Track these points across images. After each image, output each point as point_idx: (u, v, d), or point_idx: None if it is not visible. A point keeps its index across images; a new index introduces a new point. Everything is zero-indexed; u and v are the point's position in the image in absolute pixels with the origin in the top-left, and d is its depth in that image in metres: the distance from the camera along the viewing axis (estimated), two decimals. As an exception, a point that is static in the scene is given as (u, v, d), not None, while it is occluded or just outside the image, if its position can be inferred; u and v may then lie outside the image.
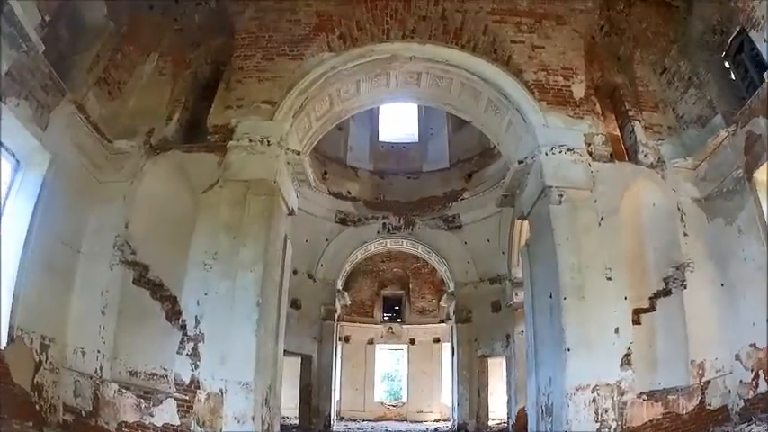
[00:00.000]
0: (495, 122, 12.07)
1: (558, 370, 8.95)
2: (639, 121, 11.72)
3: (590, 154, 10.57)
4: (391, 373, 26.19)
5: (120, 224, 9.93)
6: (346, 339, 23.82)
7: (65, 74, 9.34)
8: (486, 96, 11.71)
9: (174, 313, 9.41)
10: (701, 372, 9.58)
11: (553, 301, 9.40)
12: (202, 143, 10.73)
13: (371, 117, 21.32)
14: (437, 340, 24.57)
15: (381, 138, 21.32)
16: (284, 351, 16.19)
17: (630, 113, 11.84)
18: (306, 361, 17.57)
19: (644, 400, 9.05)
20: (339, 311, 19.51)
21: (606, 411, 8.59)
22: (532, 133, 10.75)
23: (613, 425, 8.57)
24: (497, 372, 20.04)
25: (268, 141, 10.33)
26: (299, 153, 10.86)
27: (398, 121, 22.03)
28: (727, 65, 11.00)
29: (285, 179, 10.63)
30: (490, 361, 18.47)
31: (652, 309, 10.27)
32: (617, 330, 9.06)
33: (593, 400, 8.59)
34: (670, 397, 9.30)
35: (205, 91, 11.87)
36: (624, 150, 11.73)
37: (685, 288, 10.06)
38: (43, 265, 8.73)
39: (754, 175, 9.64)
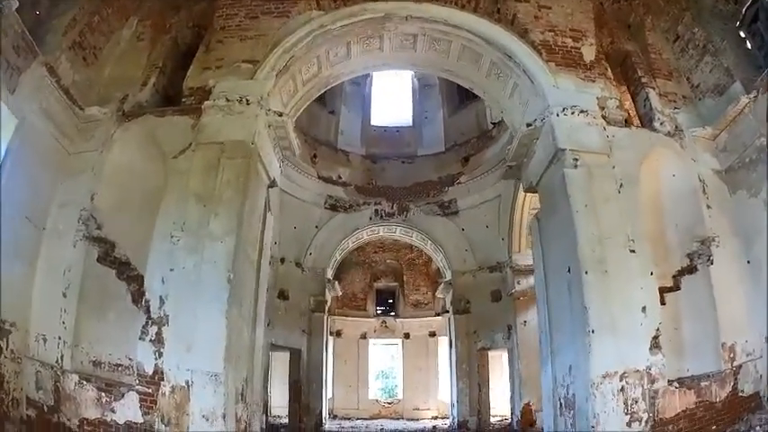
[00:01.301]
0: (497, 88, 10.87)
1: (580, 356, 7.68)
2: (654, 88, 10.56)
3: (604, 118, 9.44)
4: (385, 369, 24.84)
5: (86, 197, 8.69)
6: (338, 334, 22.45)
7: (40, 38, 8.44)
8: (489, 59, 10.52)
9: (140, 295, 8.07)
10: (732, 356, 8.41)
11: (572, 276, 8.14)
12: (177, 107, 9.52)
13: (363, 100, 20.12)
14: (433, 334, 23.21)
15: (374, 122, 20.02)
16: (271, 345, 15.16)
17: (644, 80, 10.67)
18: (295, 356, 16.21)
19: (676, 387, 7.83)
20: (330, 303, 18.15)
21: (636, 402, 7.40)
22: (541, 95, 9.59)
23: (644, 416, 7.37)
24: (498, 365, 18.78)
25: (247, 101, 9.10)
26: (281, 114, 9.55)
27: (392, 105, 20.76)
28: (742, 34, 10.02)
29: (265, 143, 9.34)
30: (491, 354, 17.14)
31: (676, 287, 9.13)
32: (644, 309, 7.87)
33: (622, 390, 7.38)
34: (702, 384, 8.12)
35: (185, 57, 10.55)
36: (638, 119, 10.54)
37: (712, 264, 8.88)
38: (4, 241, 7.48)
39: (779, 142, 8.59)
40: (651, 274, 8.26)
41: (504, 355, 16.75)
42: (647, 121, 10.19)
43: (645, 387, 7.49)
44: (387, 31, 10.63)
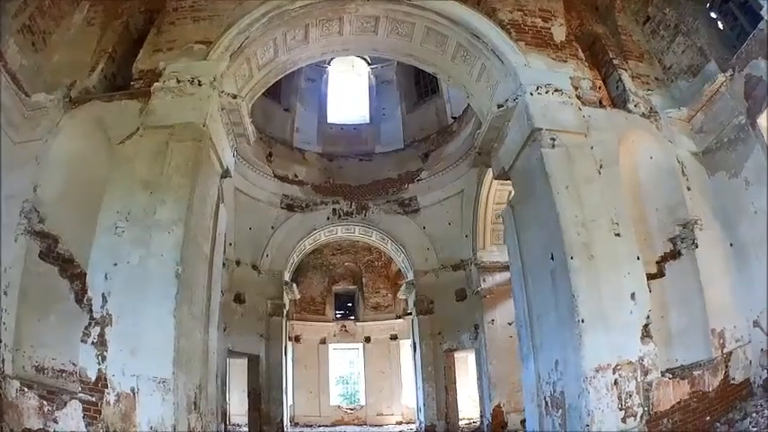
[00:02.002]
0: (464, 71, 10.23)
1: (569, 349, 7.03)
2: (626, 70, 10.12)
3: (579, 98, 8.94)
4: (347, 374, 23.92)
5: (29, 189, 7.73)
6: (297, 339, 21.36)
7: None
8: (455, 41, 9.91)
9: (83, 294, 7.06)
10: (721, 342, 7.93)
11: (556, 264, 7.50)
12: (125, 91, 8.61)
13: (320, 97, 19.23)
14: (394, 337, 22.35)
15: (331, 119, 19.10)
16: (229, 351, 14.09)
17: (615, 62, 10.20)
18: (253, 362, 15.12)
19: (669, 378, 7.28)
20: (288, 307, 17.13)
21: (630, 396, 6.81)
22: (512, 74, 9.03)
23: (639, 411, 6.80)
24: (464, 367, 18.14)
25: (199, 81, 8.24)
26: (235, 97, 8.66)
27: (349, 102, 19.88)
28: (713, 15, 9.77)
29: (218, 127, 8.43)
30: (457, 355, 16.41)
31: (660, 274, 8.63)
32: (633, 296, 7.31)
33: (615, 383, 6.77)
34: (695, 373, 7.60)
35: (137, 44, 9.57)
36: (611, 102, 10.04)
37: (697, 247, 8.38)
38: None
39: (758, 120, 8.35)
40: (638, 258, 7.70)
41: (471, 356, 16.04)
42: (620, 103, 9.67)
43: (638, 380, 6.92)
44: (347, 13, 9.89)
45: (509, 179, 9.56)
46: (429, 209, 16.90)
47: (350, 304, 23.26)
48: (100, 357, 6.40)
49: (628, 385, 6.80)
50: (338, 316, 23.15)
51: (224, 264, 14.25)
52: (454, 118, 16.88)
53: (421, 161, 17.29)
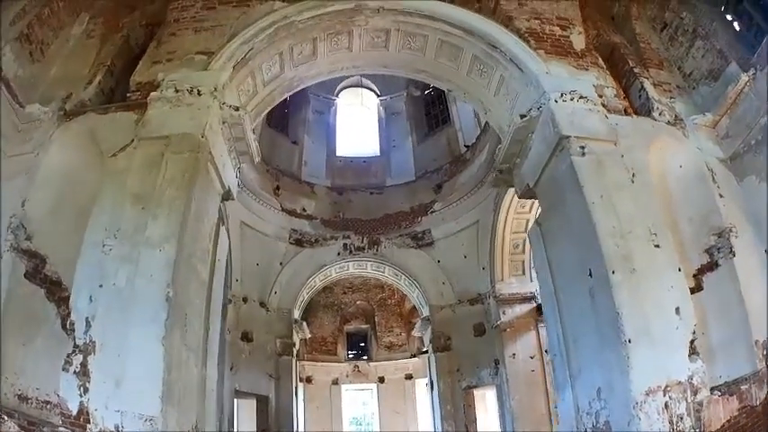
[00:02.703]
0: (481, 86, 9.57)
1: (615, 373, 6.08)
2: (647, 78, 9.43)
3: (604, 106, 8.22)
4: (360, 415, 22.54)
5: (17, 203, 6.91)
6: (308, 380, 20.12)
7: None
8: (470, 54, 9.31)
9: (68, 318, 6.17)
10: (765, 353, 6.92)
11: (595, 279, 6.62)
12: (121, 103, 7.99)
13: (328, 130, 18.60)
14: (409, 377, 21.07)
15: (339, 152, 18.43)
16: (236, 391, 13.06)
17: (636, 71, 9.51)
18: (262, 403, 13.98)
19: (719, 396, 6.33)
20: (298, 347, 16.09)
21: (681, 419, 5.92)
22: (534, 83, 8.35)
23: (690, 434, 5.79)
24: (484, 405, 16.89)
25: (198, 91, 7.58)
26: (237, 109, 7.96)
27: (357, 135, 19.31)
28: (729, 17, 9.25)
29: (218, 141, 7.69)
30: (477, 393, 15.16)
31: (698, 288, 7.68)
32: (678, 311, 6.43)
33: (666, 406, 5.86)
34: (743, 388, 6.64)
35: (137, 59, 8.98)
36: (634, 111, 9.31)
37: (734, 257, 7.47)
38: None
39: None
40: (679, 270, 6.82)
41: (491, 393, 14.84)
42: (644, 112, 8.91)
43: (689, 400, 6.01)
44: (356, 26, 9.32)
45: (533, 197, 8.75)
46: (443, 241, 15.98)
47: (362, 344, 22.07)
48: (82, 389, 5.51)
49: (678, 407, 5.90)
50: (350, 356, 21.95)
51: (230, 300, 13.56)
52: (467, 146, 16.18)
53: (434, 192, 16.48)
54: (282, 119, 17.62)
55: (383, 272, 17.05)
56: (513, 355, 13.56)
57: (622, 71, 9.80)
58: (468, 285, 15.36)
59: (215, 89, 7.63)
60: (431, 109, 18.36)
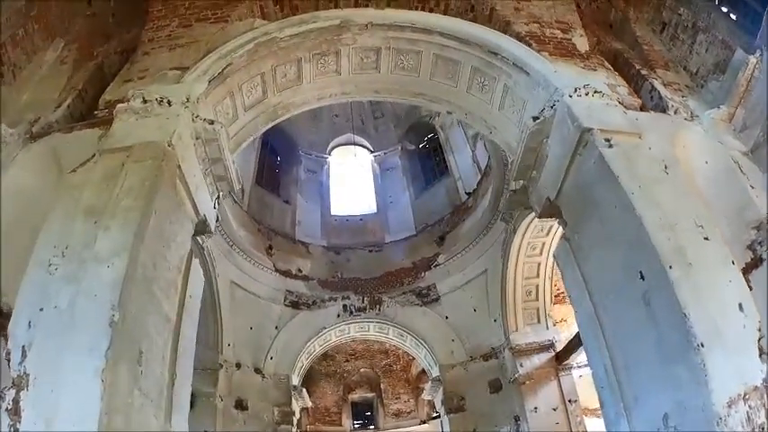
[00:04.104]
0: (483, 102, 8.61)
1: (690, 387, 4.68)
2: (656, 78, 8.61)
3: (620, 103, 7.33)
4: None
5: None
6: (311, 453, 18.25)
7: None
8: (469, 66, 8.43)
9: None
10: None
11: (648, 281, 5.31)
12: (86, 121, 7.02)
13: (321, 190, 17.67)
14: (419, 444, 19.19)
15: (334, 211, 17.41)
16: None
17: (643, 73, 8.67)
18: (258, 480, 12.24)
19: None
20: (299, 416, 14.30)
21: (763, 429, 4.57)
22: (543, 84, 7.40)
23: (771, 444, 4.43)
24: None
25: (169, 102, 6.56)
26: (212, 122, 6.89)
27: (352, 193, 18.37)
28: (725, 9, 8.86)
29: (189, 156, 6.52)
30: (497, 454, 13.48)
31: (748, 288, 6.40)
32: (741, 307, 5.16)
33: (749, 417, 4.54)
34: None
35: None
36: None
37: (778, 248, 6.25)
38: None
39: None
40: (733, 263, 5.60)
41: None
42: (659, 111, 8.00)
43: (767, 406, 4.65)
44: (344, 45, 8.49)
45: (555, 214, 7.50)
46: (450, 296, 14.65)
47: (368, 413, 20.21)
48: (13, 429, 4.11)
49: (758, 416, 4.56)
50: (356, 426, 20.07)
51: (221, 365, 12.05)
52: (468, 194, 15.19)
53: (436, 245, 15.31)
54: (273, 178, 16.72)
55: (387, 333, 15.55)
56: (535, 408, 12.16)
57: (629, 75, 8.95)
58: (480, 340, 13.93)
59: (187, 99, 6.61)
60: (427, 162, 17.60)
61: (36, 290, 4.83)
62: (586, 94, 7.02)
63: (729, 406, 4.47)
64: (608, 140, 6.37)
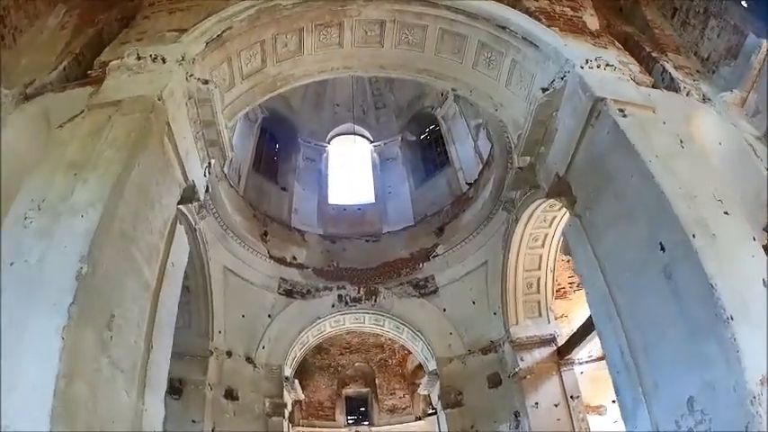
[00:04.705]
0: (490, 78, 8.32)
1: (718, 364, 4.31)
2: (668, 61, 8.31)
3: (632, 79, 7.02)
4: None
5: None
6: (303, 448, 17.79)
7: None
8: (476, 41, 8.14)
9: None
10: None
11: (669, 252, 4.97)
12: (79, 81, 6.68)
13: (319, 178, 17.25)
14: (415, 441, 18.78)
15: (332, 200, 17.03)
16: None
17: (654, 55, 8.35)
18: (246, 474, 11.80)
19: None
20: (291, 408, 13.86)
21: None
22: (553, 56, 7.15)
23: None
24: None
25: (163, 59, 6.28)
26: (206, 82, 6.55)
27: (351, 183, 18.00)
28: None
29: (180, 115, 6.21)
30: (496, 451, 13.08)
31: None
32: (764, 282, 4.75)
33: None
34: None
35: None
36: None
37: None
38: None
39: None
40: (754, 239, 5.26)
41: (514, 450, 12.70)
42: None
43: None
44: (348, 16, 8.18)
45: (563, 192, 7.16)
46: (448, 288, 14.23)
47: (363, 408, 19.73)
48: None
49: None
50: (350, 421, 19.57)
51: (211, 352, 11.64)
52: (469, 184, 14.79)
53: (435, 236, 14.90)
54: (271, 165, 16.34)
55: (383, 325, 15.13)
56: (536, 404, 11.68)
57: (639, 57, 8.59)
58: (479, 333, 13.49)
59: (182, 58, 6.31)
60: (427, 153, 17.22)
61: (10, 245, 4.45)
62: (598, 67, 6.77)
63: (761, 383, 4.09)
64: (621, 111, 6.06)
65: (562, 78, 6.79)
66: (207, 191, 7.28)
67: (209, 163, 7.15)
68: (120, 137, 5.05)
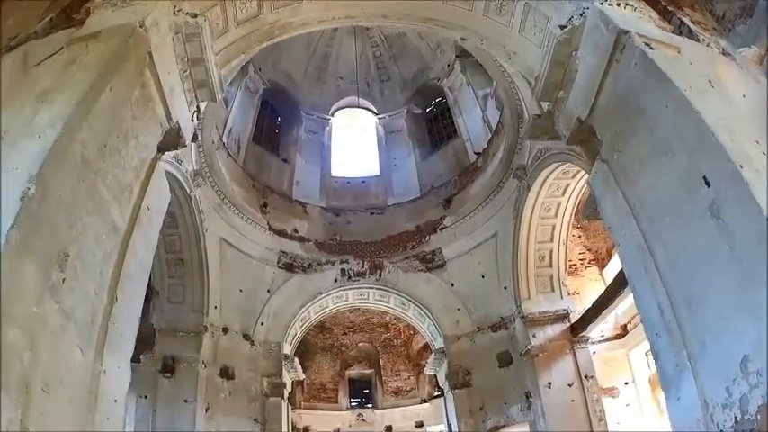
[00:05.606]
0: (501, 25, 7.63)
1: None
2: (685, 16, 7.63)
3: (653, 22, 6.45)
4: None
5: None
6: (306, 431, 17.19)
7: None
8: (487, -16, 7.43)
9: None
10: None
11: (715, 188, 4.29)
12: (63, 26, 5.96)
13: (322, 151, 16.70)
14: (420, 424, 18.17)
15: (335, 173, 16.48)
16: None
17: (670, 9, 7.64)
18: (245, 453, 11.31)
19: None
20: (290, 389, 13.33)
21: None
22: (572, -6, 6.40)
23: None
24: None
25: (150, -6, 5.56)
26: (195, 16, 5.95)
27: (355, 156, 17.43)
28: None
29: (165, 48, 5.65)
30: (507, 432, 12.56)
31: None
32: None
33: None
34: None
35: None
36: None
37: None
38: None
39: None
40: None
41: (524, 431, 12.16)
42: (692, 42, 7.11)
43: None
44: (351, -44, 7.53)
45: (586, 138, 6.52)
46: (456, 261, 13.72)
47: (366, 390, 19.31)
48: None
49: None
50: (353, 404, 19.16)
51: (206, 328, 11.09)
52: (477, 154, 14.20)
53: (443, 208, 14.34)
54: (272, 137, 15.82)
55: (388, 301, 14.63)
56: (549, 384, 11.17)
57: (656, 9, 8.02)
58: (489, 309, 12.99)
59: (169, -8, 5.68)
60: (434, 126, 16.65)
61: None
62: (618, 5, 6.17)
63: (830, 336, 3.48)
64: (648, 44, 5.43)
65: (581, 14, 6.19)
66: (195, 139, 6.72)
67: (198, 107, 6.55)
68: (92, 61, 4.51)
